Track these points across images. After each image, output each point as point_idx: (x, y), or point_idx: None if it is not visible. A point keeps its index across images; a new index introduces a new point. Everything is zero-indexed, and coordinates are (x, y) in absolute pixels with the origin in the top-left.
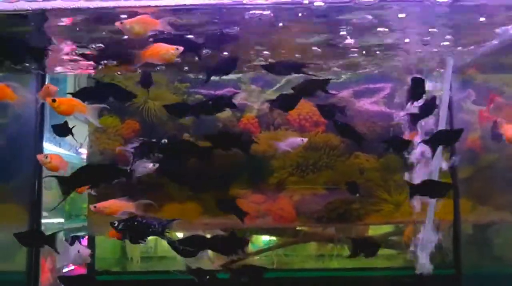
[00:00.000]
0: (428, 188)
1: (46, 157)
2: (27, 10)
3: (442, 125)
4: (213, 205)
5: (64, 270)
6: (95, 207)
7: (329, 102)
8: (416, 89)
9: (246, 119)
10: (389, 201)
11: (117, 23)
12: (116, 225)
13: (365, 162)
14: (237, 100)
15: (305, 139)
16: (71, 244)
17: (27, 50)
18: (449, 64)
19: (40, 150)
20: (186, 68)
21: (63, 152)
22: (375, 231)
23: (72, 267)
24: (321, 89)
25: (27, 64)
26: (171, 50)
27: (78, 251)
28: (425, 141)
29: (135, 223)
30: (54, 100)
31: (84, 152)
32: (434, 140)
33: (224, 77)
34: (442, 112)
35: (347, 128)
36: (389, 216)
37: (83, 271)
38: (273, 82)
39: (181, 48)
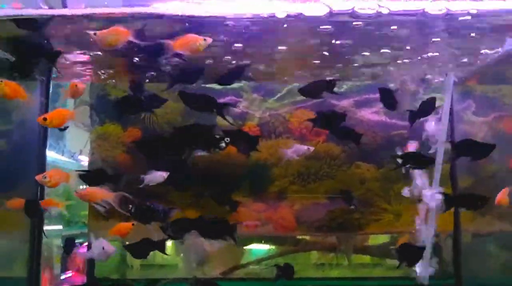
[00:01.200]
0: (466, 200)
1: (45, 177)
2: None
3: (443, 137)
4: (213, 213)
5: (62, 277)
6: (76, 192)
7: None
8: (386, 99)
9: (248, 127)
10: (389, 210)
11: (90, 34)
12: (130, 208)
13: (365, 172)
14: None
15: (312, 148)
16: (67, 247)
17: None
18: (450, 75)
19: (44, 156)
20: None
21: (64, 159)
22: (374, 240)
23: (69, 274)
24: (328, 91)
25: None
26: (199, 41)
27: (103, 248)
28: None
29: (143, 207)
30: (45, 119)
31: (83, 159)
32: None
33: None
34: (443, 123)
35: (344, 130)
36: (389, 225)
37: (82, 277)
38: (274, 91)
39: (209, 40)
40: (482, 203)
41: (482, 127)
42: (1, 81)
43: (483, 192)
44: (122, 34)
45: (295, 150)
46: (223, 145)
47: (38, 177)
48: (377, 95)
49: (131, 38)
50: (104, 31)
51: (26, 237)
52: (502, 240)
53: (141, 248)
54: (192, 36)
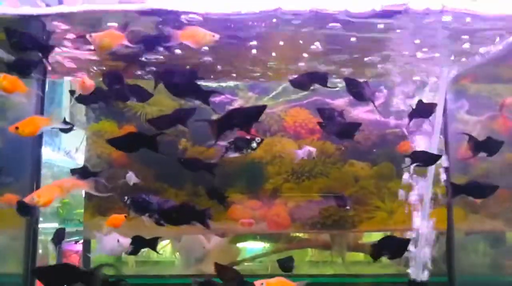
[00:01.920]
0: (473, 189)
1: (33, 198)
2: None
3: (436, 135)
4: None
5: None
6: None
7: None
8: (352, 90)
9: None
10: (382, 208)
11: (87, 36)
12: (125, 200)
13: (359, 170)
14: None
15: (314, 149)
16: (57, 238)
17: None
18: (444, 74)
19: (39, 154)
20: None
21: (60, 157)
22: (368, 238)
23: None
24: (320, 83)
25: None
26: (208, 36)
27: (118, 241)
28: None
29: (139, 200)
30: (17, 128)
31: (78, 157)
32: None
33: (222, 84)
34: (436, 121)
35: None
36: (383, 223)
37: None
38: (270, 90)
39: (217, 36)
40: (490, 192)
41: (476, 126)
42: (0, 75)
43: None
44: (116, 38)
45: (303, 151)
46: (255, 145)
47: (27, 199)
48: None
49: (125, 42)
50: (100, 33)
51: (21, 234)
52: (495, 238)
53: (132, 245)
54: (200, 29)
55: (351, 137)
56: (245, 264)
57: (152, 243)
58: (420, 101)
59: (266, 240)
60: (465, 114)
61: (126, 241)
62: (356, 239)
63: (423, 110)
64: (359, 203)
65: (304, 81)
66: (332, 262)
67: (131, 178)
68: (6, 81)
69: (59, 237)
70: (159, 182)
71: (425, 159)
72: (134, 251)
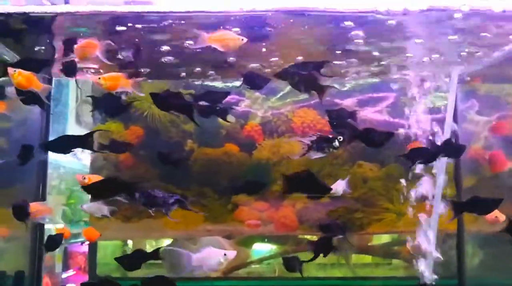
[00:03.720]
0: (475, 205)
1: (84, 178)
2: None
3: (447, 135)
4: (216, 212)
5: (64, 276)
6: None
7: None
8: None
9: (250, 126)
10: (391, 210)
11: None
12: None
13: (368, 171)
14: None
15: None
16: (49, 245)
17: None
18: (455, 74)
19: (45, 154)
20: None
21: (67, 158)
22: (377, 240)
23: (71, 272)
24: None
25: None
26: (236, 40)
27: (225, 254)
28: None
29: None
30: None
31: (85, 158)
32: None
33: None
34: (447, 122)
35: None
36: (392, 225)
37: (84, 276)
38: (277, 90)
39: (245, 39)
40: (494, 206)
41: (486, 126)
42: (15, 71)
43: (486, 190)
44: (91, 47)
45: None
46: (337, 143)
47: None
48: (381, 94)
49: (98, 53)
50: (81, 43)
51: (27, 235)
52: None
53: (133, 260)
54: (229, 33)
55: (381, 146)
56: (253, 266)
57: (153, 255)
58: (448, 141)
59: (273, 242)
60: (475, 114)
61: (232, 253)
62: (365, 241)
63: (451, 151)
64: (367, 205)
65: (291, 73)
66: (340, 265)
67: (103, 210)
68: (21, 77)
69: (52, 243)
70: (164, 183)
71: (424, 156)
72: (135, 266)
